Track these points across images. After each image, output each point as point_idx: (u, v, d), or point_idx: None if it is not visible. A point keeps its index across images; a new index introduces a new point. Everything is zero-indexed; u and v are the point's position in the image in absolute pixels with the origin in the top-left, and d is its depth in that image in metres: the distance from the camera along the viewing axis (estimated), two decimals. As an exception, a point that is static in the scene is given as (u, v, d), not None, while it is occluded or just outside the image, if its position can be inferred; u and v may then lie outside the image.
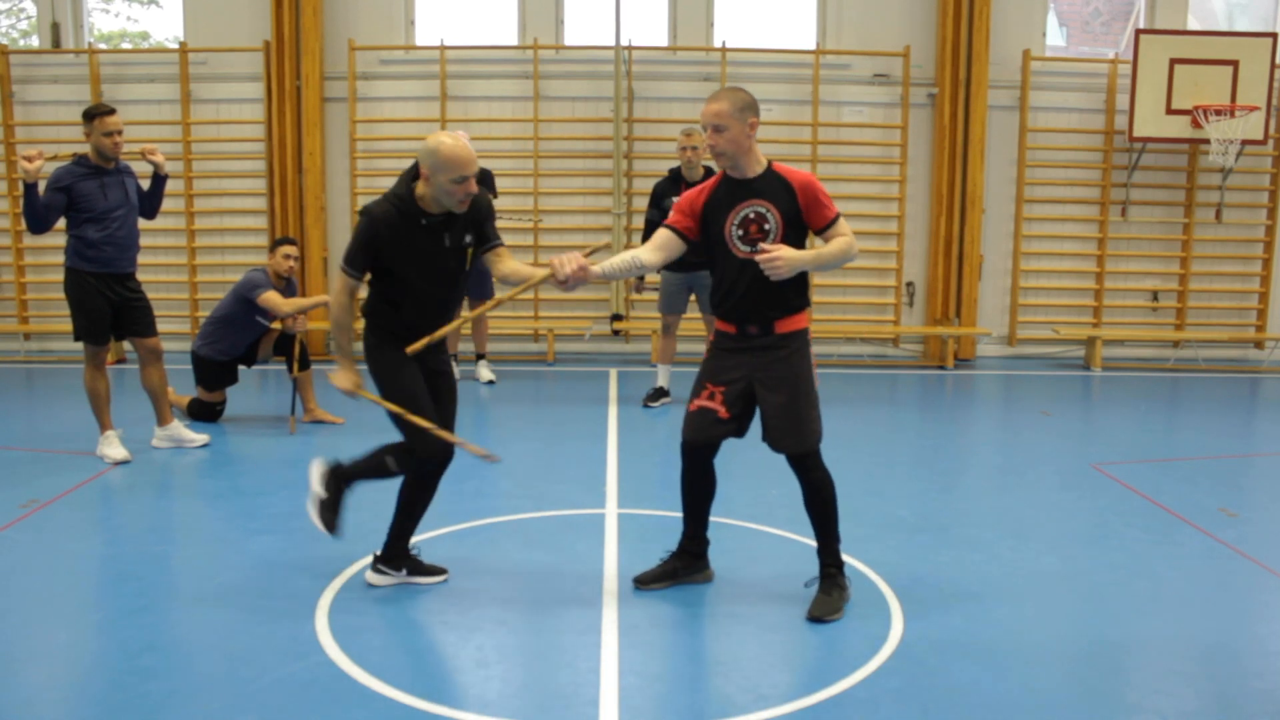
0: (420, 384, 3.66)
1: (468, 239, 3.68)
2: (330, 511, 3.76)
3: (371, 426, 6.65)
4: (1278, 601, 3.96)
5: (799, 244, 3.54)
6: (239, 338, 6.52)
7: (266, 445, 6.18)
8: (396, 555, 3.84)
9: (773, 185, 3.54)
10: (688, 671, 3.26)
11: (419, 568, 3.88)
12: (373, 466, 3.75)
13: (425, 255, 3.58)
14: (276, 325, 6.58)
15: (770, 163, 3.59)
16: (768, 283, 3.50)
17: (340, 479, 3.78)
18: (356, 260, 3.55)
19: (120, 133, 5.49)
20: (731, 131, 3.49)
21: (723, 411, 3.62)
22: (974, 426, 7.41)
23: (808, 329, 3.65)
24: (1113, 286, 9.91)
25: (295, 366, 6.54)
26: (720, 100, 3.50)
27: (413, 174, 3.55)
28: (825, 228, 3.54)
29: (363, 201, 9.51)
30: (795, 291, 3.58)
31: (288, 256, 6.49)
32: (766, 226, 3.51)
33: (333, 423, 6.64)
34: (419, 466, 3.70)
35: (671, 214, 3.71)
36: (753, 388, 3.59)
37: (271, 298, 6.32)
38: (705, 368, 3.71)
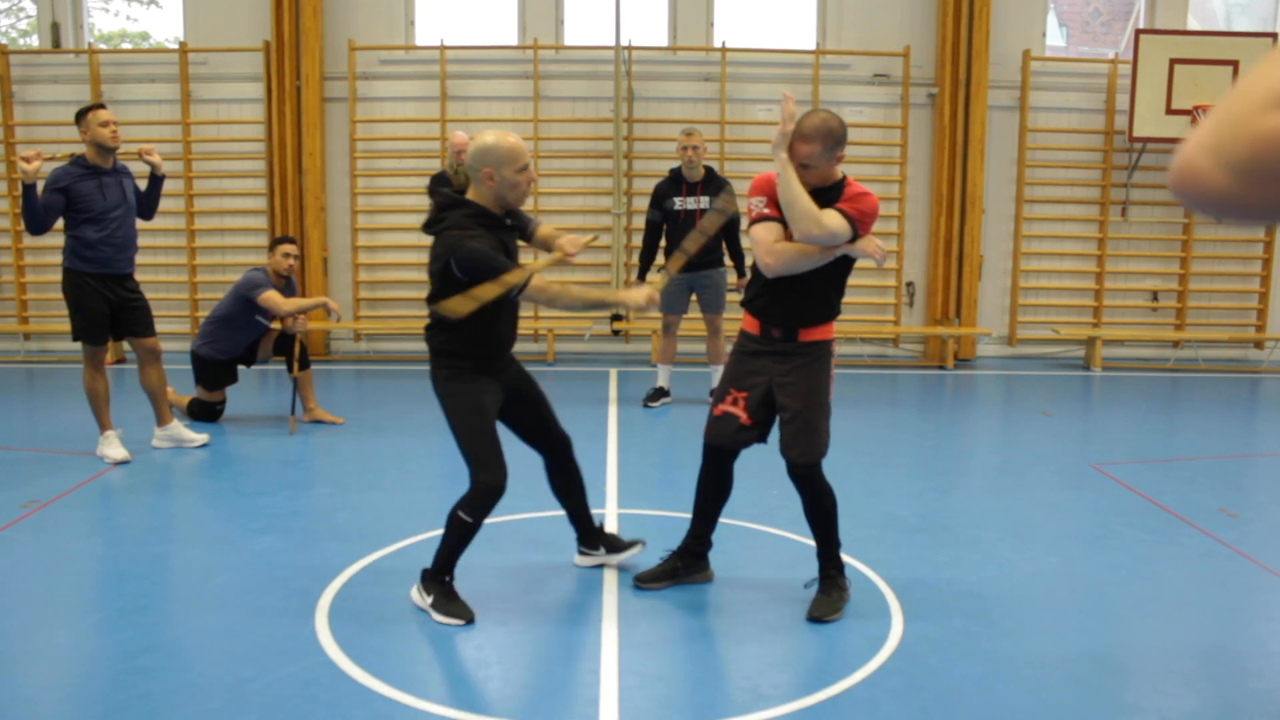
0: (494, 420, 3.61)
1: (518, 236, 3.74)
2: (451, 603, 3.59)
3: (371, 427, 6.68)
4: (1278, 601, 3.96)
5: (842, 273, 3.52)
6: (238, 337, 6.53)
7: (266, 445, 6.18)
8: (590, 535, 4.01)
9: (830, 196, 3.45)
10: (688, 671, 3.25)
11: (616, 544, 4.04)
12: (452, 533, 3.58)
13: (512, 257, 3.56)
14: (276, 325, 6.58)
15: (845, 177, 3.52)
16: (808, 287, 3.47)
17: (435, 576, 3.62)
18: (502, 262, 3.40)
19: (116, 122, 5.51)
20: (820, 170, 3.41)
21: (745, 418, 3.61)
22: (974, 426, 7.40)
23: (831, 340, 3.60)
24: (1113, 286, 9.91)
25: (295, 366, 6.55)
26: (813, 142, 3.35)
27: (453, 201, 3.50)
28: (835, 208, 3.39)
29: (363, 202, 9.55)
30: (828, 300, 3.53)
31: (287, 255, 6.49)
32: None
33: (332, 423, 6.64)
34: (489, 500, 3.54)
35: (766, 208, 3.49)
36: (772, 393, 3.58)
37: (272, 297, 6.32)
38: (728, 371, 3.69)
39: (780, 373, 3.56)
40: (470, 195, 3.51)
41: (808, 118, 3.40)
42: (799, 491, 3.62)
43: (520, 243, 3.75)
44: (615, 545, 4.03)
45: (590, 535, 4.02)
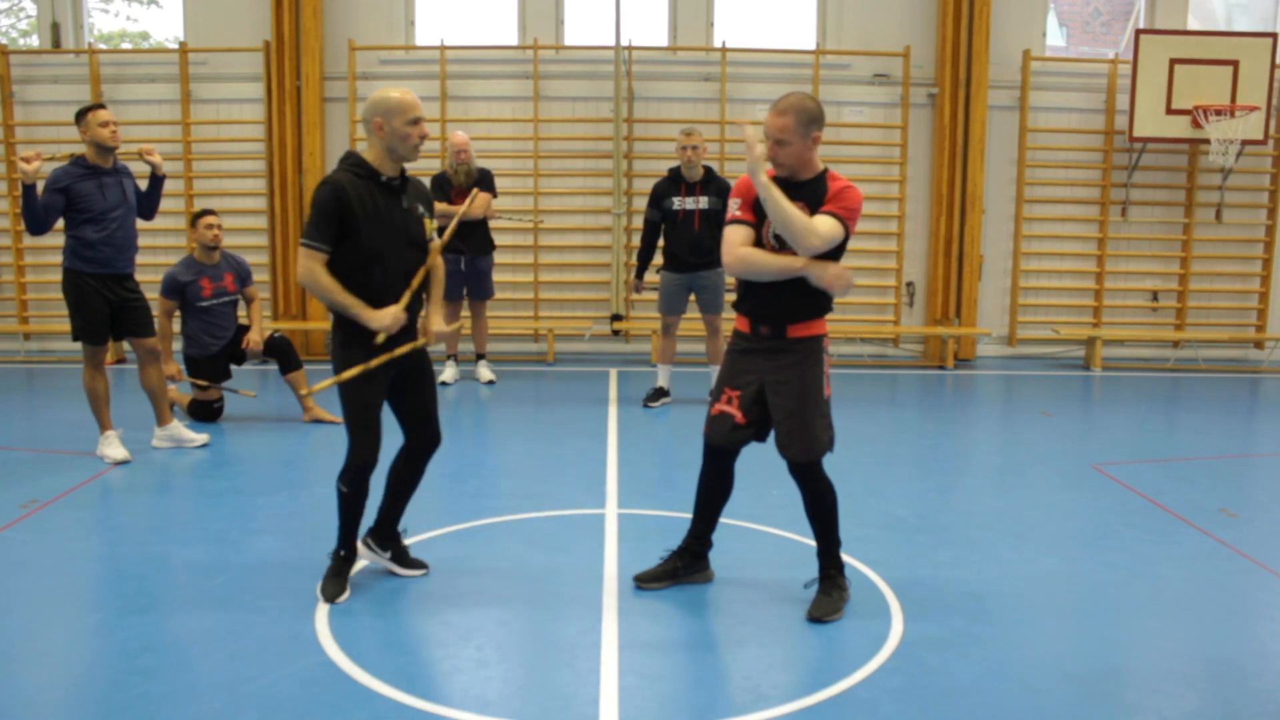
0: (380, 398, 3.66)
1: (420, 210, 3.73)
2: (332, 579, 3.73)
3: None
4: (1278, 601, 3.96)
5: (828, 254, 3.49)
6: (203, 329, 6.53)
7: (266, 445, 6.18)
8: (385, 536, 3.92)
9: (815, 190, 3.47)
10: (688, 671, 3.25)
11: (403, 558, 3.95)
12: (340, 508, 3.72)
13: (389, 217, 3.57)
14: (241, 314, 6.71)
15: (825, 170, 3.54)
16: (791, 285, 3.47)
17: (337, 548, 3.77)
18: (320, 232, 3.47)
19: (115, 122, 5.51)
20: (794, 147, 3.42)
21: (740, 417, 3.61)
22: (974, 426, 7.40)
23: (823, 336, 3.59)
24: (1113, 286, 9.91)
25: (239, 360, 6.68)
26: (786, 115, 3.39)
27: (347, 154, 3.62)
28: (824, 212, 3.42)
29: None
30: (815, 294, 3.52)
31: (210, 226, 6.52)
32: None
33: (332, 422, 6.65)
34: (360, 473, 3.65)
35: (739, 210, 3.53)
36: (765, 391, 3.58)
37: (157, 308, 6.34)
38: (723, 370, 3.71)
39: (771, 370, 3.55)
40: (364, 153, 3.58)
41: (783, 97, 3.46)
42: (799, 488, 3.62)
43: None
44: (403, 559, 3.95)
45: (386, 536, 3.92)
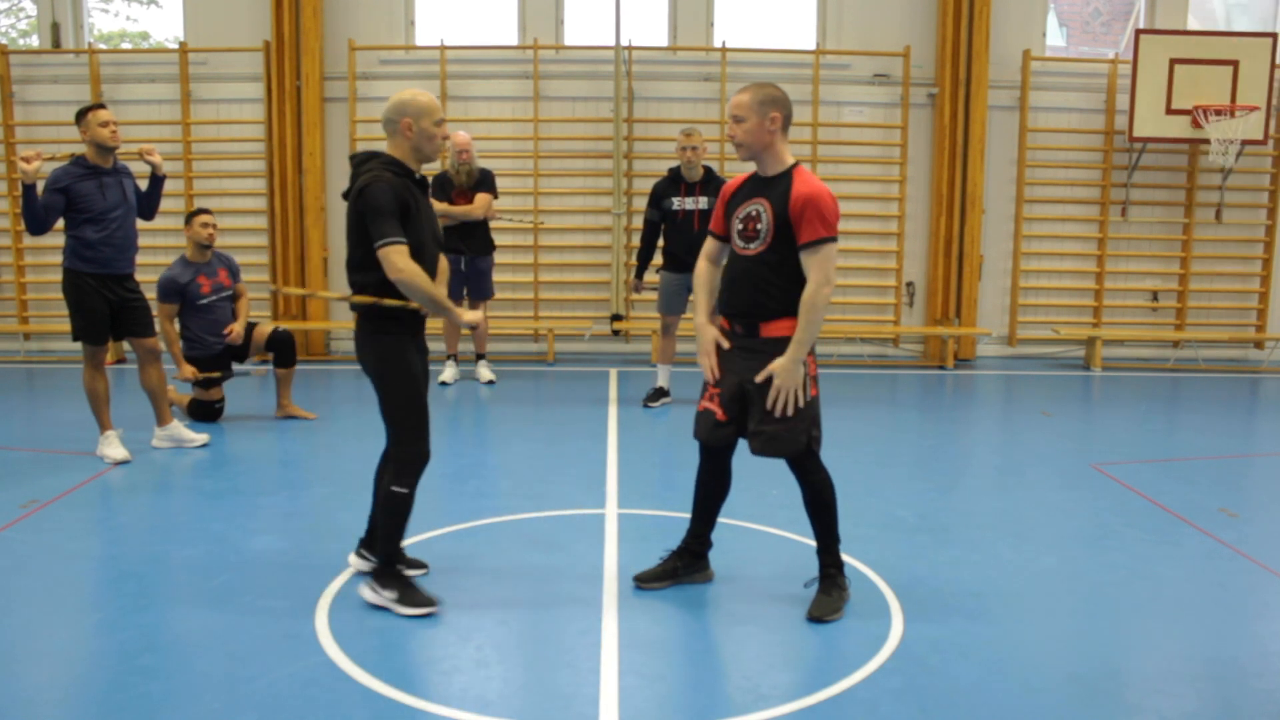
0: (425, 390, 3.69)
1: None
2: (410, 592, 3.62)
3: (372, 427, 6.65)
4: (1278, 601, 3.96)
5: (789, 264, 3.44)
6: (205, 328, 6.53)
7: (266, 445, 6.18)
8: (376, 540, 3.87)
9: (780, 186, 3.48)
10: (688, 671, 3.26)
11: (401, 558, 3.91)
12: (388, 510, 3.63)
13: (425, 213, 3.64)
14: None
15: (795, 165, 3.54)
16: (760, 280, 3.47)
17: (388, 569, 3.65)
18: (394, 226, 3.43)
19: (115, 122, 5.50)
20: (749, 124, 3.48)
21: (720, 414, 3.61)
22: (974, 426, 7.40)
23: None
24: (1113, 286, 9.91)
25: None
26: (745, 92, 3.51)
27: (370, 154, 3.61)
28: (803, 246, 3.40)
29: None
30: (784, 291, 3.45)
31: (205, 225, 6.48)
32: (759, 226, 3.47)
33: (305, 419, 6.68)
34: (421, 471, 3.66)
35: (713, 219, 3.73)
36: (744, 388, 3.57)
37: (159, 313, 6.29)
38: None
39: (748, 370, 3.51)
40: (387, 149, 3.60)
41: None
42: (798, 482, 3.62)
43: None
44: (401, 559, 3.89)
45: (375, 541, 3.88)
